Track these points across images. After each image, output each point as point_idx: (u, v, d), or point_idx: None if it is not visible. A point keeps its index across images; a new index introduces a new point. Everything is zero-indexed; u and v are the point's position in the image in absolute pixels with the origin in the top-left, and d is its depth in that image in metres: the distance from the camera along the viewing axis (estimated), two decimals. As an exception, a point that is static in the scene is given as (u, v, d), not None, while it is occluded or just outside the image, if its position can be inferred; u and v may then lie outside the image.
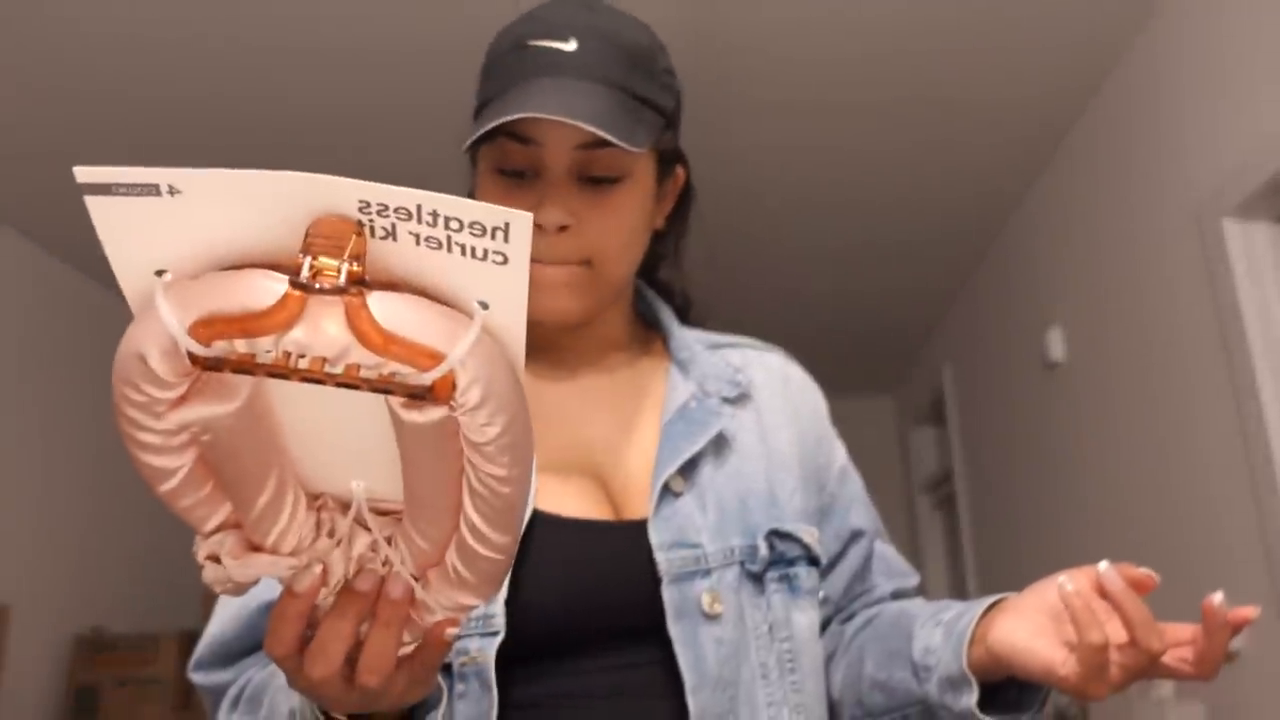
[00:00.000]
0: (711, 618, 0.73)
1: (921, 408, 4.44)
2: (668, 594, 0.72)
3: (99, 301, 3.44)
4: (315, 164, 2.09)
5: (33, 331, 3.12)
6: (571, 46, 0.77)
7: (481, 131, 0.75)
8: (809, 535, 0.82)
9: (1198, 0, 2.02)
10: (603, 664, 0.71)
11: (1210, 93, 1.99)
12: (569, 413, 0.81)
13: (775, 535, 0.79)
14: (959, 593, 4.18)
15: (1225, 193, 1.92)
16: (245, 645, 0.74)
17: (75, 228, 3.01)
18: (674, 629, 0.71)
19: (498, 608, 0.68)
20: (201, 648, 0.76)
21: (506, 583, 0.63)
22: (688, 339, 0.92)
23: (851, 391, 5.01)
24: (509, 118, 0.72)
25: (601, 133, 0.70)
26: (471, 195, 0.80)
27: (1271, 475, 1.78)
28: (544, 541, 0.71)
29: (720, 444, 0.82)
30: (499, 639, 0.68)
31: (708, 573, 0.74)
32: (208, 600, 3.24)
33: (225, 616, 0.75)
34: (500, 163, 0.79)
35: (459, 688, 0.67)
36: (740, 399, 0.87)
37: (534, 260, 0.69)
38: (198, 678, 0.76)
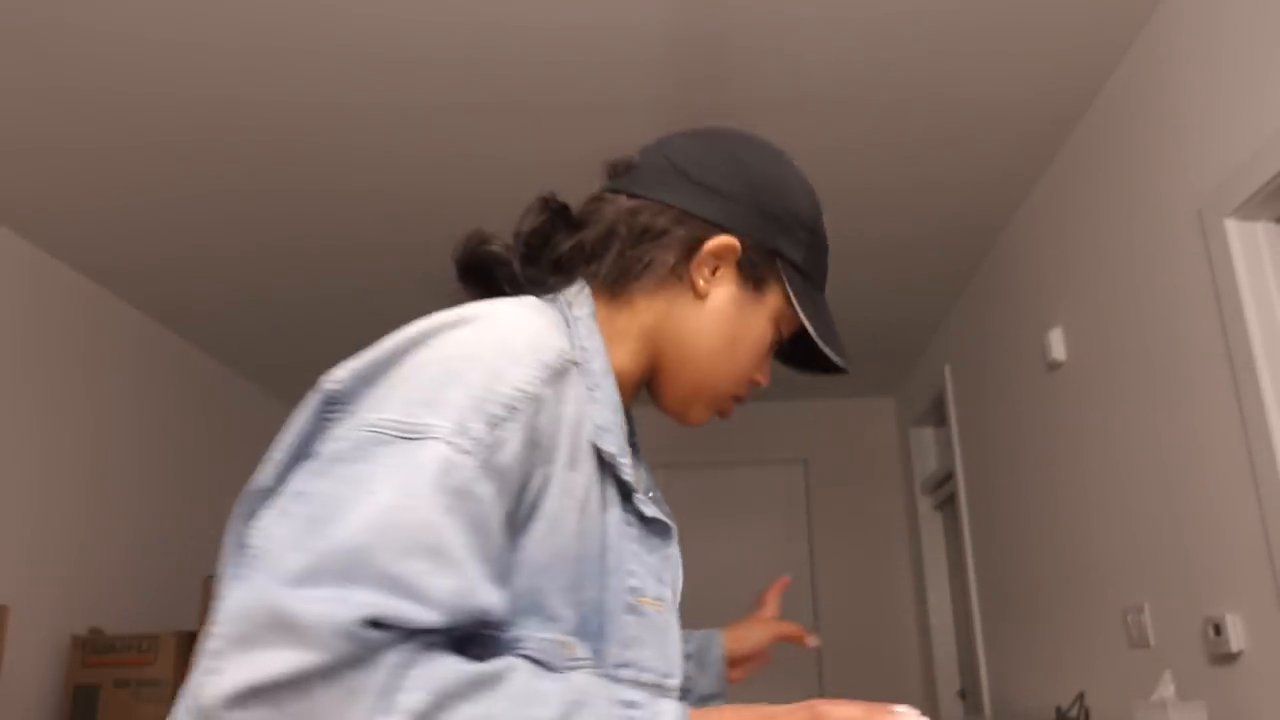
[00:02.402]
0: None
1: (923, 408, 4.43)
2: None
3: (98, 301, 3.44)
4: (315, 165, 2.10)
5: (32, 332, 3.11)
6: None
7: (830, 345, 0.89)
8: None
9: (1199, -1, 2.02)
10: None
11: (1212, 92, 1.99)
12: None
13: None
14: (961, 593, 4.18)
15: (1227, 192, 1.91)
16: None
17: (75, 228, 3.01)
18: None
19: None
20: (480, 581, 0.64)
21: None
22: None
23: (853, 391, 5.01)
24: (841, 366, 0.91)
25: (838, 363, 0.91)
26: (745, 286, 0.89)
27: (1274, 475, 1.78)
28: None
29: None
30: None
31: None
32: (206, 601, 3.23)
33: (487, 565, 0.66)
34: (779, 326, 0.91)
35: None
36: None
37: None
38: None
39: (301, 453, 0.69)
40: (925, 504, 4.59)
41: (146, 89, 2.34)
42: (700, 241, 0.85)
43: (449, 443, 0.64)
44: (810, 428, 5.06)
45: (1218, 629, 1.96)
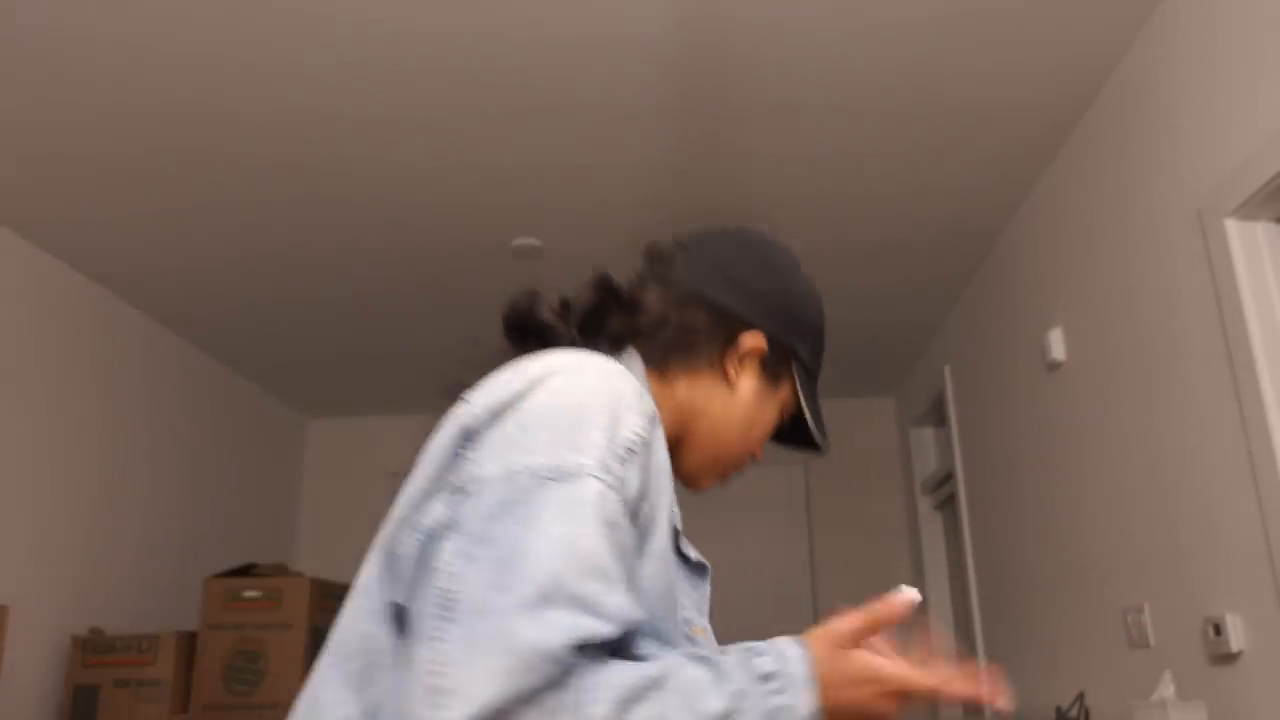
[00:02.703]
0: None
1: (922, 408, 4.43)
2: None
3: (99, 302, 3.44)
4: (318, 173, 2.10)
5: (33, 332, 3.11)
6: None
7: (818, 429, 1.03)
8: None
9: (1197, 0, 2.02)
10: None
11: (1210, 92, 1.99)
12: None
13: None
14: (961, 593, 4.18)
15: (1226, 192, 1.91)
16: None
17: (82, 233, 3.02)
18: None
19: None
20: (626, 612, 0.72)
21: None
22: None
23: (853, 392, 5.01)
24: (823, 449, 1.05)
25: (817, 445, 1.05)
26: (765, 381, 1.01)
27: (1274, 475, 1.78)
28: None
29: None
30: None
31: None
32: (206, 601, 3.23)
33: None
34: (783, 411, 1.04)
35: None
36: None
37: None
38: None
39: (439, 483, 0.77)
40: (925, 504, 4.59)
41: (153, 98, 2.35)
42: (736, 337, 0.97)
43: (598, 479, 0.73)
44: (810, 428, 5.05)
45: (1218, 629, 1.96)
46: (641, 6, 2.12)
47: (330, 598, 3.38)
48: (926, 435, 4.68)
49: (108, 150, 2.59)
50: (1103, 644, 2.56)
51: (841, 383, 4.85)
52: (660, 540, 0.80)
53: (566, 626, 0.65)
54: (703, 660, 0.73)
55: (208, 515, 4.09)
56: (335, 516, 5.06)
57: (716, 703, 0.69)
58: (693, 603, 0.90)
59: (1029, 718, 3.10)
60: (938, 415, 4.33)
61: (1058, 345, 2.79)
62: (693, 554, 0.93)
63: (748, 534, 4.96)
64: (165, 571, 3.74)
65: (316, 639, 3.21)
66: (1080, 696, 2.57)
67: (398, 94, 2.39)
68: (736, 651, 0.75)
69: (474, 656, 0.64)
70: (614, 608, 0.69)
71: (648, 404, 0.81)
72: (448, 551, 0.70)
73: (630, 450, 0.76)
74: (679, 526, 0.89)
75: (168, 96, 2.38)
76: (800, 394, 1.01)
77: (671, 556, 0.83)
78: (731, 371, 0.98)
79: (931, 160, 2.77)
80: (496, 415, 0.77)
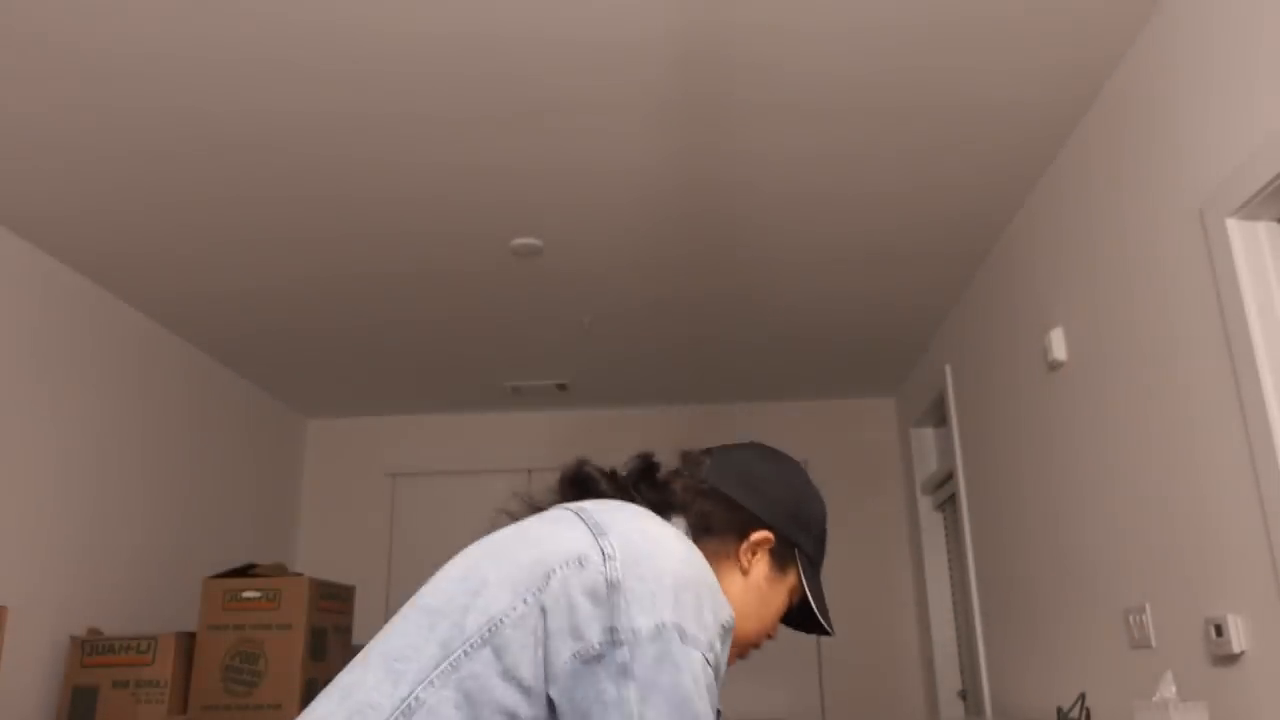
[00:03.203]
0: None
1: (923, 408, 4.43)
2: None
3: (99, 302, 3.43)
4: (315, 172, 2.10)
5: (32, 332, 3.11)
6: None
7: (822, 614, 1.18)
8: None
9: (1201, -3, 2.01)
10: None
11: (1212, 92, 1.98)
12: None
13: None
14: (962, 593, 4.17)
15: (1227, 192, 1.91)
16: None
17: (75, 227, 3.01)
18: None
19: None
20: None
21: None
22: None
23: (853, 392, 5.01)
24: (830, 632, 1.21)
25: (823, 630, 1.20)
26: (773, 570, 1.16)
27: (1275, 475, 1.77)
28: None
29: None
30: None
31: None
32: (205, 602, 3.23)
33: None
34: (786, 604, 1.18)
35: None
36: None
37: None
38: None
39: (572, 618, 0.89)
40: (925, 504, 4.59)
41: (153, 97, 2.34)
42: (748, 530, 1.13)
43: (704, 655, 0.88)
44: (810, 428, 5.06)
45: (1219, 629, 1.95)
46: (642, 7, 2.11)
47: (329, 598, 3.37)
48: (927, 435, 4.67)
49: (107, 150, 2.59)
50: (1104, 644, 2.56)
51: (841, 383, 4.85)
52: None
53: None
54: None
55: (207, 515, 4.09)
56: (335, 516, 5.06)
57: None
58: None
59: (1029, 718, 3.09)
60: (938, 415, 4.33)
61: (1059, 345, 2.78)
62: (723, 669, 1.08)
63: (748, 534, 4.95)
64: (164, 572, 3.73)
65: (316, 639, 3.21)
66: (1081, 697, 2.57)
67: (398, 95, 2.39)
68: None
69: None
70: None
71: (730, 613, 0.96)
72: (631, 693, 0.85)
73: (726, 630, 0.93)
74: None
75: (167, 96, 2.37)
76: (804, 582, 1.16)
77: None
78: (745, 560, 1.12)
79: (932, 160, 2.76)
80: (629, 568, 0.90)
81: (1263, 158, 1.80)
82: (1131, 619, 2.37)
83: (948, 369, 4.00)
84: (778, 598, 1.16)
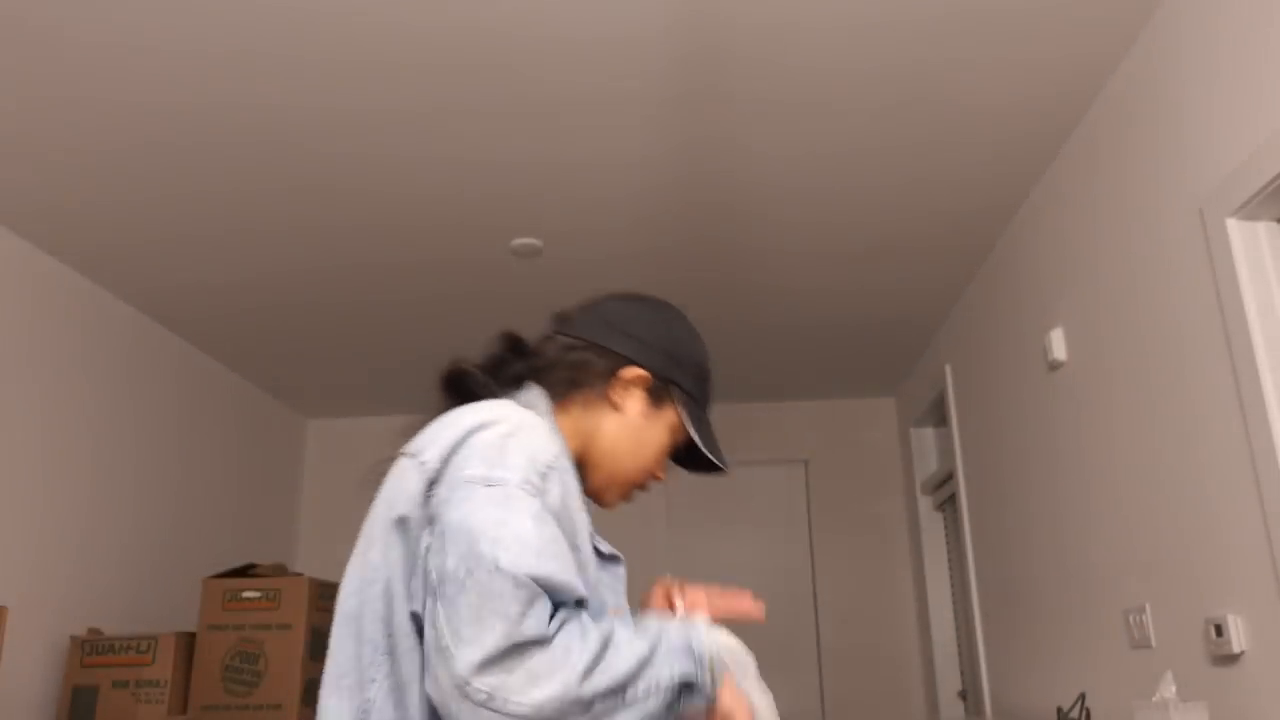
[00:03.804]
0: None
1: (923, 408, 4.42)
2: None
3: (98, 301, 3.43)
4: (313, 168, 2.08)
5: (31, 332, 3.11)
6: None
7: (712, 452, 1.22)
8: None
9: (1201, -3, 2.01)
10: None
11: (1212, 92, 1.98)
12: None
13: None
14: (962, 593, 4.17)
15: (1228, 192, 1.91)
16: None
17: (74, 227, 3.01)
18: None
19: None
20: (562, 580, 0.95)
21: None
22: None
23: (853, 391, 5.01)
24: (718, 461, 1.23)
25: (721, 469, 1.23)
26: (650, 406, 1.21)
27: (1275, 475, 1.77)
28: None
29: None
30: None
31: None
32: (205, 602, 3.23)
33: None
34: (671, 442, 1.22)
35: None
36: None
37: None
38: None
39: (420, 523, 1.00)
40: (926, 504, 4.58)
41: (151, 96, 2.34)
42: (618, 371, 1.18)
43: (520, 488, 0.96)
44: (811, 428, 5.06)
45: (1219, 630, 1.95)
46: (642, 4, 2.11)
47: (329, 598, 3.37)
48: (927, 435, 4.67)
49: (106, 149, 2.59)
50: (1104, 644, 2.56)
51: (841, 383, 4.85)
52: (585, 546, 1.04)
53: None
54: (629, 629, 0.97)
55: (207, 515, 4.09)
56: (335, 517, 5.05)
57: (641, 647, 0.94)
58: (610, 587, 1.10)
59: (1029, 718, 3.09)
60: (938, 415, 4.33)
61: (1059, 345, 2.78)
62: (605, 548, 1.11)
63: (748, 534, 4.95)
64: (164, 572, 3.73)
65: (316, 639, 3.21)
66: (1081, 697, 2.57)
67: (397, 91, 2.39)
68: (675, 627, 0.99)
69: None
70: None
71: (557, 438, 1.07)
72: (435, 541, 0.95)
73: (549, 467, 1.00)
74: (591, 529, 1.09)
75: (166, 94, 2.37)
76: (686, 418, 1.20)
77: (593, 558, 1.06)
78: (616, 398, 1.18)
79: (932, 159, 2.76)
80: (446, 461, 0.99)
81: (1262, 158, 1.80)
82: (1131, 619, 2.36)
83: (948, 369, 4.00)
84: (656, 435, 1.20)
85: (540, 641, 0.87)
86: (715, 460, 1.22)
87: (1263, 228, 1.90)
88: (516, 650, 0.86)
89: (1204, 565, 2.05)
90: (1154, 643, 2.26)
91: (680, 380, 1.21)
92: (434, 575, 0.92)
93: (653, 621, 1.00)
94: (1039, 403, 2.99)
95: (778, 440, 5.03)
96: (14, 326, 3.04)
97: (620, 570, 1.14)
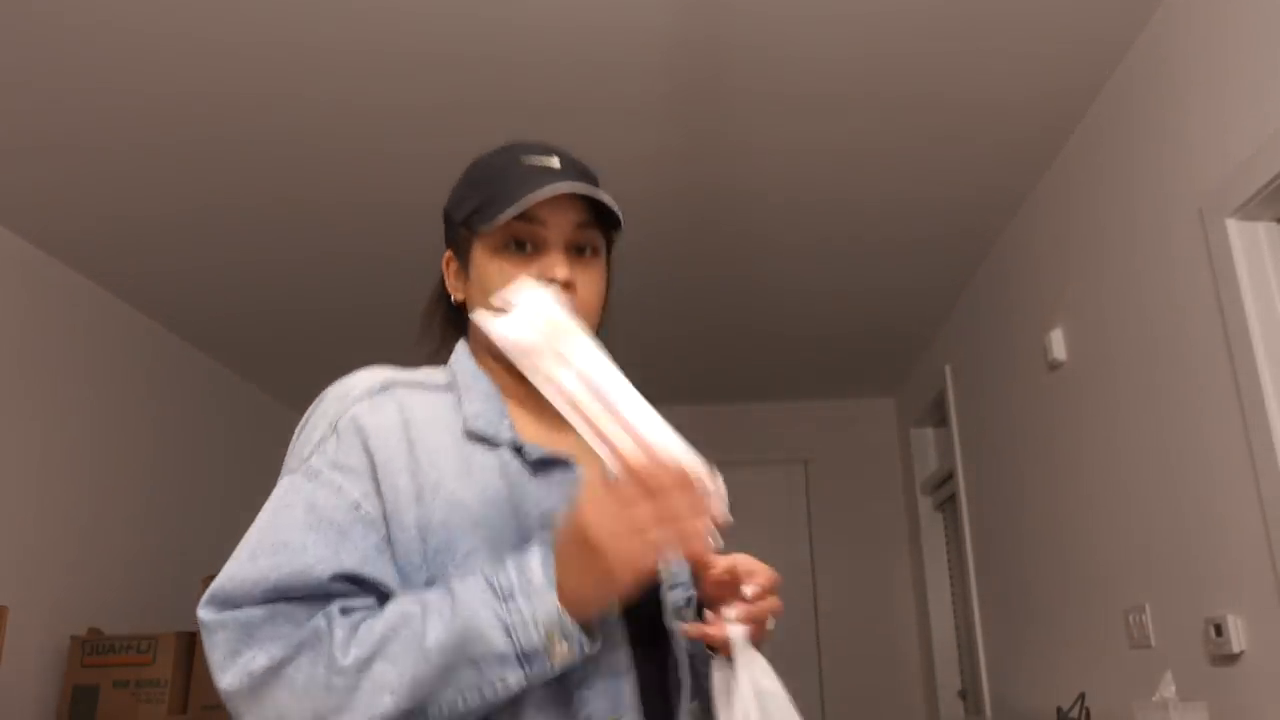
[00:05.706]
0: None
1: (923, 408, 4.43)
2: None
3: (98, 302, 3.43)
4: (317, 168, 2.08)
5: (31, 332, 3.11)
6: (556, 164, 1.08)
7: (516, 210, 0.99)
8: None
9: (1200, -2, 2.01)
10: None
11: (1213, 91, 1.98)
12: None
13: None
14: (961, 593, 4.17)
15: (1228, 192, 1.91)
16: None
17: (74, 226, 3.01)
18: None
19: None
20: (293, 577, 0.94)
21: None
22: None
23: (853, 392, 5.01)
24: (542, 195, 0.98)
25: (608, 201, 1.01)
26: (463, 271, 1.09)
27: (1275, 475, 1.77)
28: None
29: None
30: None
31: None
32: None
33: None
34: (506, 240, 1.03)
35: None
36: None
37: None
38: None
39: None
40: (925, 504, 4.58)
41: (151, 94, 2.34)
42: (446, 263, 1.13)
43: (296, 474, 0.98)
44: (811, 428, 5.06)
45: (1219, 629, 1.95)
46: (642, 2, 2.11)
47: (330, 598, 3.37)
48: (927, 435, 4.67)
49: (106, 147, 2.59)
50: (1104, 644, 2.56)
51: (841, 383, 4.85)
52: (436, 469, 0.94)
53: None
54: (420, 599, 0.87)
55: (206, 515, 4.08)
56: (335, 517, 5.05)
57: (437, 633, 0.84)
58: (549, 498, 0.96)
59: (1029, 718, 3.09)
60: (938, 415, 4.33)
61: (1059, 345, 2.78)
62: (537, 454, 0.98)
63: (748, 534, 4.91)
64: (164, 571, 3.73)
65: (316, 639, 3.20)
66: (1081, 697, 2.57)
67: (395, 85, 2.39)
68: (482, 575, 0.87)
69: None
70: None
71: (359, 388, 0.99)
72: None
73: (322, 439, 0.97)
74: (508, 438, 0.99)
75: (166, 93, 2.37)
76: (471, 236, 1.06)
77: (457, 496, 0.93)
78: (451, 289, 1.12)
79: (933, 156, 2.76)
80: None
81: (1262, 158, 1.80)
82: (1131, 619, 2.37)
83: (948, 369, 4.00)
84: (486, 271, 1.04)
85: (258, 683, 0.93)
86: (539, 197, 0.99)
87: (1263, 228, 1.91)
88: (249, 691, 0.94)
89: (1204, 565, 2.05)
90: (1154, 643, 2.26)
91: (454, 215, 1.10)
92: None
93: (492, 578, 0.88)
94: (1039, 403, 3.00)
95: (778, 440, 5.03)
96: (14, 326, 3.04)
97: (564, 475, 0.99)
